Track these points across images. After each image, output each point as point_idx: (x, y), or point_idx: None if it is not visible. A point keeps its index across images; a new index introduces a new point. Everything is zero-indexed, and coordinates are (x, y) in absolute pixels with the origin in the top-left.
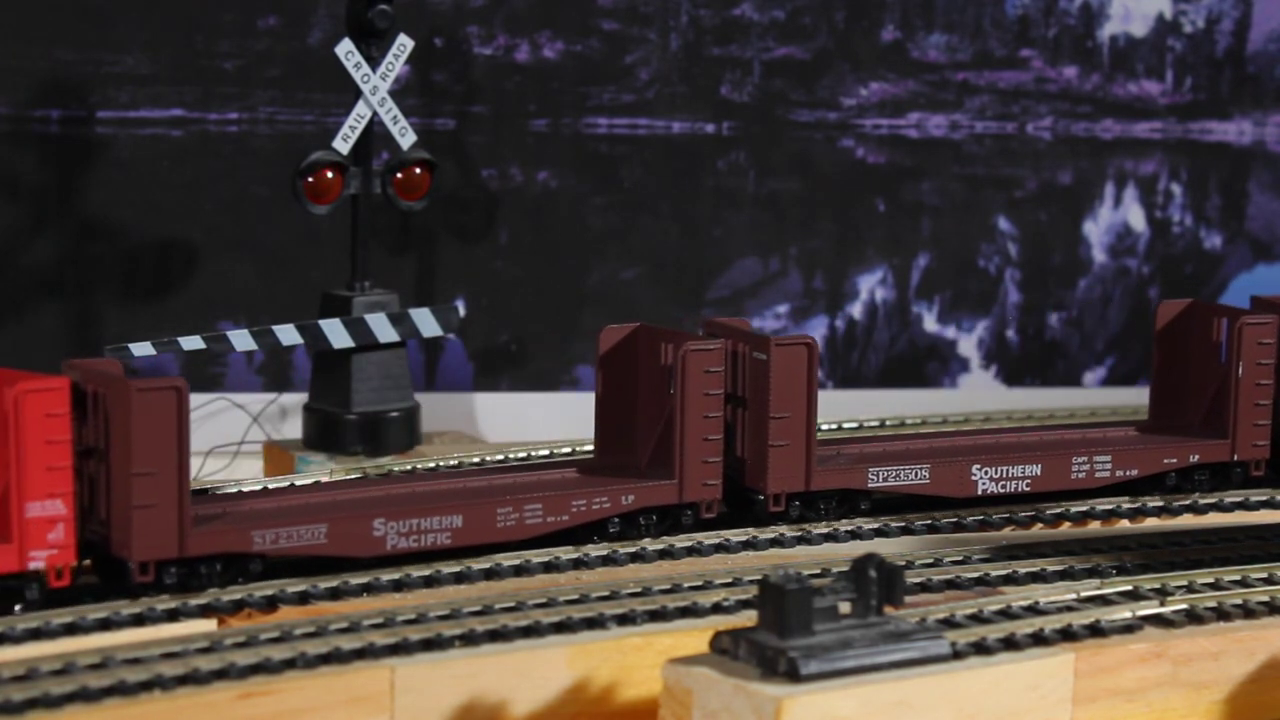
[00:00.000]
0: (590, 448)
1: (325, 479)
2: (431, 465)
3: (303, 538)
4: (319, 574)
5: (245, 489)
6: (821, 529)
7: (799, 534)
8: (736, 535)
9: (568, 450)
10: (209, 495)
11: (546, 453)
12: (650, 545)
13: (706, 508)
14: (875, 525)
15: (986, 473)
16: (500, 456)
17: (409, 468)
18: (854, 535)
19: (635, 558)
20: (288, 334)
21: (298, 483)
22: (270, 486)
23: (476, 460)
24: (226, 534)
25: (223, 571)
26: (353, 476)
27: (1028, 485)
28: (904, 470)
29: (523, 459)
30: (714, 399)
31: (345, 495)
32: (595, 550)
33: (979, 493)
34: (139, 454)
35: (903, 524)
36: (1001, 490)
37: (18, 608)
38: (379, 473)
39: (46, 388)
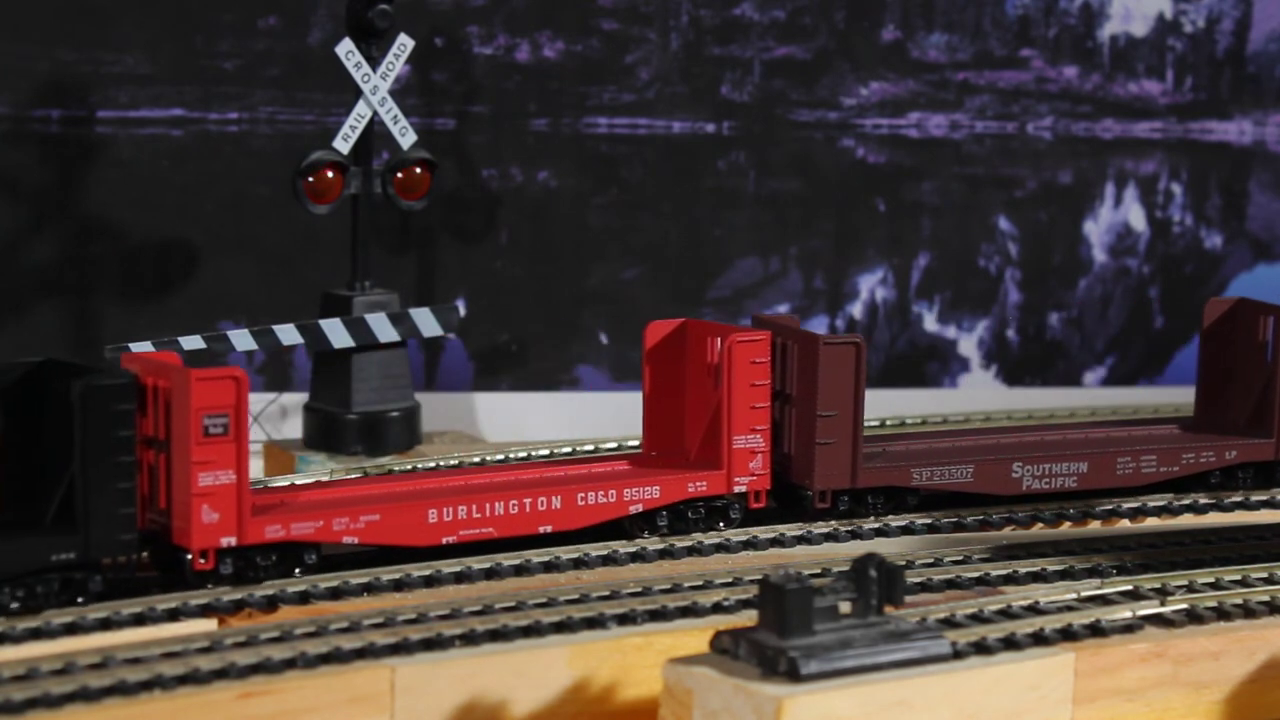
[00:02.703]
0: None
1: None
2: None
3: (952, 476)
4: (319, 573)
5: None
6: (823, 529)
7: (800, 533)
8: (737, 535)
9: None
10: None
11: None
12: (650, 545)
13: None
14: (875, 525)
15: None
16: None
17: (1022, 414)
18: (854, 535)
19: (635, 558)
20: (288, 334)
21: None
22: (918, 428)
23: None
24: (890, 470)
25: (885, 503)
26: (995, 425)
27: None
28: None
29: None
30: None
31: (983, 441)
32: (595, 550)
33: None
34: (824, 398)
35: (903, 524)
36: None
37: (720, 525)
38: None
39: (753, 339)
